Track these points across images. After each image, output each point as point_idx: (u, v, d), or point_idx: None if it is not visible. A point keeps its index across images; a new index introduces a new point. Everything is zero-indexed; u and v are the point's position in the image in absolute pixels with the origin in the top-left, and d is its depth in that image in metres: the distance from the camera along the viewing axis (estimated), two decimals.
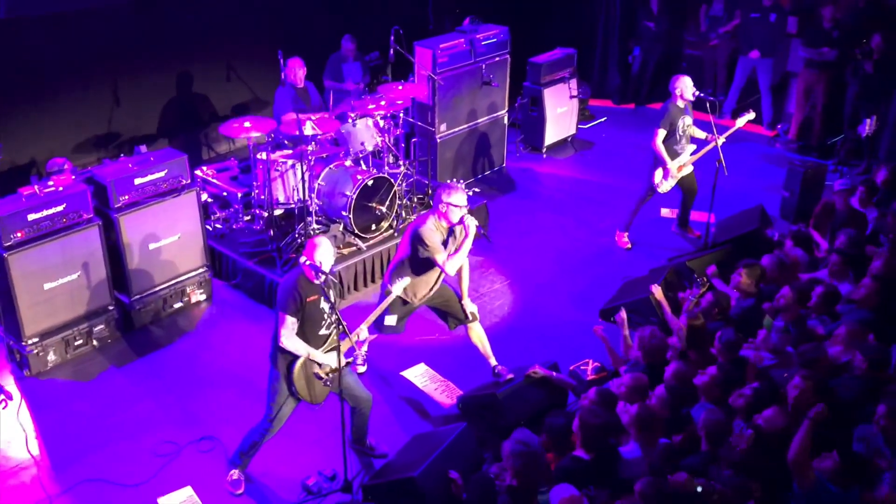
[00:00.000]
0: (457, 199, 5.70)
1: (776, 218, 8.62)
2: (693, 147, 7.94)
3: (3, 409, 6.15)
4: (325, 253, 5.01)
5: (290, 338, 5.05)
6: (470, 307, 6.18)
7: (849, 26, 9.83)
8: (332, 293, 5.05)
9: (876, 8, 9.90)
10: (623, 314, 6.07)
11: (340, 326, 5.04)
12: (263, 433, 5.33)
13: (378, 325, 5.90)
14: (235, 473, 5.50)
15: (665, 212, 8.90)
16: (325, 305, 5.12)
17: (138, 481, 5.57)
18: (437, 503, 4.97)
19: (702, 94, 7.69)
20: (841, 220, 7.42)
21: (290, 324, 5.02)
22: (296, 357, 5.12)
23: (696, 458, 4.63)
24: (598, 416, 4.71)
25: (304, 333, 5.11)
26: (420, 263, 5.80)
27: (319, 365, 5.19)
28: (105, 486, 5.54)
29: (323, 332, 5.20)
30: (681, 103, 7.77)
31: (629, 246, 8.33)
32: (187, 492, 5.48)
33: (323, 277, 4.98)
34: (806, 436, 4.33)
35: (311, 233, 7.38)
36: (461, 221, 5.72)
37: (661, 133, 7.73)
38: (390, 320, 5.93)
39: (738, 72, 11.03)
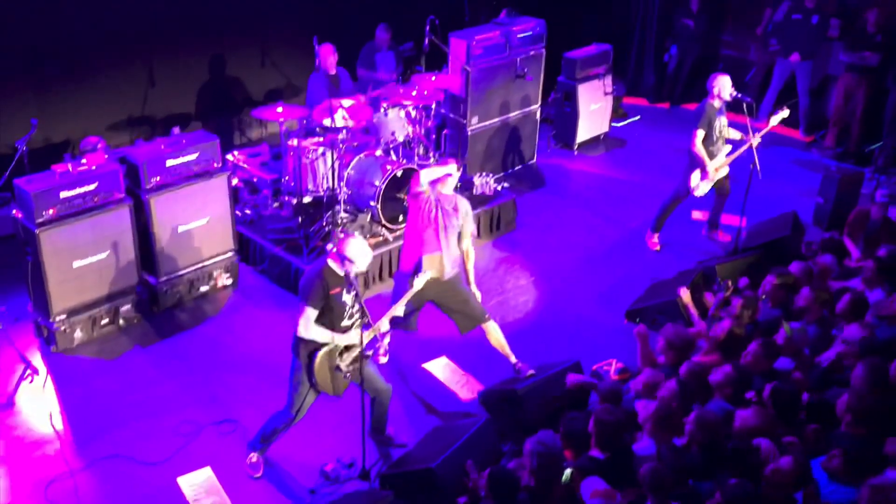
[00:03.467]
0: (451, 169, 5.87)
1: (809, 225, 8.48)
2: (728, 148, 7.82)
3: (30, 383, 6.25)
4: (359, 252, 4.96)
5: (308, 327, 5.03)
6: (477, 294, 6.18)
7: (893, 31, 9.64)
8: (355, 288, 5.02)
9: None
10: (643, 327, 5.91)
11: (364, 317, 5.02)
12: (285, 422, 5.34)
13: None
14: (254, 457, 5.53)
15: (696, 214, 8.79)
16: (347, 298, 5.10)
17: (158, 459, 5.62)
18: (454, 495, 4.97)
19: (739, 95, 7.56)
20: (875, 229, 7.29)
21: (310, 314, 5.00)
22: (317, 348, 5.10)
23: (698, 458, 4.59)
24: (611, 413, 4.67)
25: (326, 325, 5.09)
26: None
27: (340, 356, 5.19)
28: (126, 462, 5.60)
29: (345, 323, 5.18)
30: (717, 103, 7.64)
31: (659, 247, 8.25)
32: (206, 472, 5.53)
33: (354, 270, 4.96)
34: None
35: (339, 221, 7.38)
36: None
37: (700, 134, 7.58)
38: (398, 309, 5.88)
39: (776, 74, 10.85)
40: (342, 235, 5.08)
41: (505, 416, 5.88)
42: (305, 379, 5.18)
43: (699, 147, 7.60)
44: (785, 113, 7.75)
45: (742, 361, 5.41)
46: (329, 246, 5.03)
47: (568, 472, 4.46)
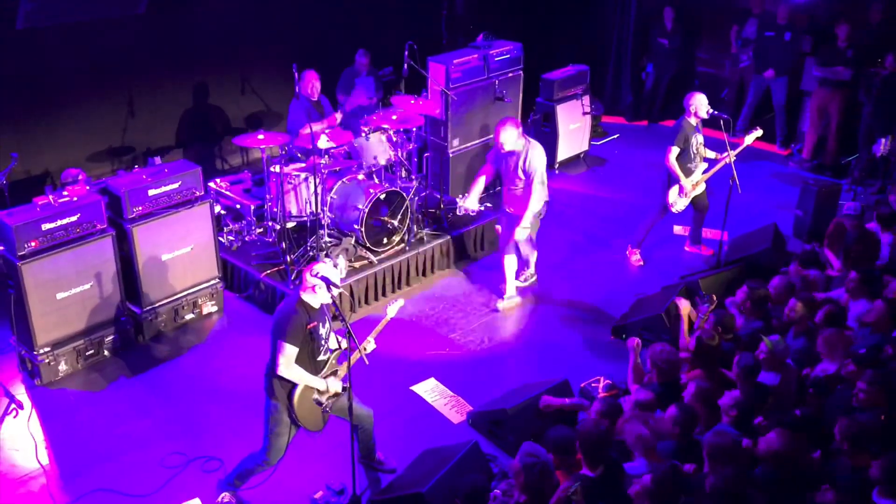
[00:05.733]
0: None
1: (789, 237, 8.58)
2: (705, 165, 7.92)
3: (14, 417, 6.16)
4: (332, 271, 4.92)
5: (289, 367, 4.89)
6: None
7: (863, 45, 9.82)
8: (328, 320, 4.97)
9: (891, 27, 9.88)
10: (637, 340, 5.92)
11: (350, 339, 4.97)
12: (260, 464, 5.22)
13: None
14: (226, 496, 5.40)
15: (678, 229, 8.87)
16: (322, 331, 5.02)
17: (146, 492, 5.56)
18: None
19: (715, 112, 7.68)
20: (852, 240, 7.37)
21: (290, 352, 4.85)
22: (295, 384, 5.00)
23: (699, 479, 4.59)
24: (597, 426, 4.66)
25: (302, 360, 4.97)
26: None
27: (319, 391, 5.13)
28: (113, 496, 5.54)
29: (321, 357, 5.10)
30: (693, 120, 7.76)
31: (641, 263, 8.31)
32: (195, 503, 5.48)
33: (336, 292, 4.90)
34: None
35: (323, 245, 7.39)
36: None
37: (675, 150, 7.71)
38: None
39: (752, 90, 11.03)
40: (326, 260, 5.01)
41: (495, 437, 5.88)
42: (284, 418, 5.05)
43: (673, 162, 7.72)
44: (758, 132, 7.89)
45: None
46: (314, 270, 4.92)
47: (575, 485, 4.41)
